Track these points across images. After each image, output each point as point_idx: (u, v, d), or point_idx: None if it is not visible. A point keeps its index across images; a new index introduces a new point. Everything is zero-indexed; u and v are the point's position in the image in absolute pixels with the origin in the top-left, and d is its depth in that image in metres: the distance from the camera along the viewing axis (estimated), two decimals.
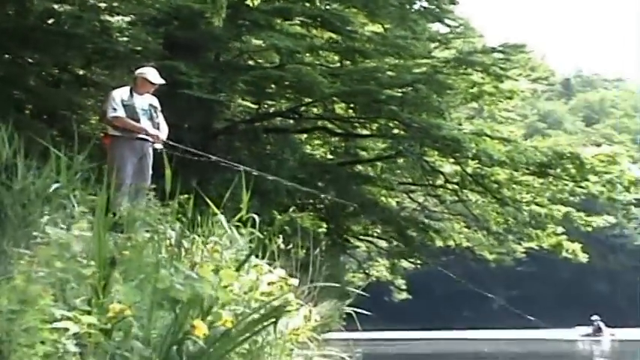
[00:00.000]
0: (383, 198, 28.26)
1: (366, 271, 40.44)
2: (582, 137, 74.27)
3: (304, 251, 10.82)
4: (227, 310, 6.09)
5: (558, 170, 25.46)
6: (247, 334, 5.89)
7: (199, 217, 8.15)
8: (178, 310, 5.50)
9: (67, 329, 4.99)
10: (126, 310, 5.22)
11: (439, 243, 30.28)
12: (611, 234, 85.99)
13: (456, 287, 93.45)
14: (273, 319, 6.09)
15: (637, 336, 37.23)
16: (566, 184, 25.94)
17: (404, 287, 50.76)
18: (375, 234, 30.45)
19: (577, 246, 28.57)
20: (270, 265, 8.10)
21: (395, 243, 30.66)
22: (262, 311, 6.02)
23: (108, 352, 5.16)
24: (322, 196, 22.94)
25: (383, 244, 32.32)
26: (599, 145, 28.77)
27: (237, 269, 6.60)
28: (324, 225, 28.11)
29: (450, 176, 26.85)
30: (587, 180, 25.56)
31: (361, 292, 10.55)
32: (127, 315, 5.23)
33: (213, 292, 5.80)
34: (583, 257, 29.14)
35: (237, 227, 8.32)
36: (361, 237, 31.24)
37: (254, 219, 8.52)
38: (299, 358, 7.96)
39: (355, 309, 11.39)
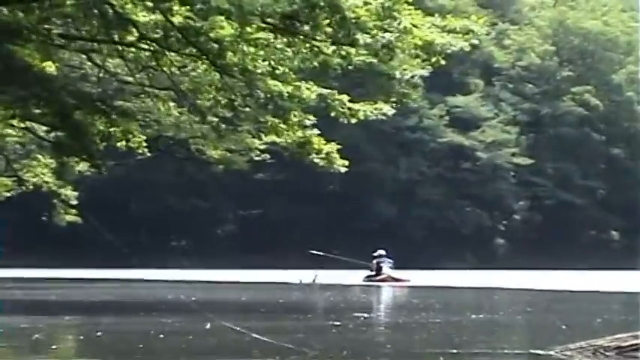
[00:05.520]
0: (39, 61, 14.90)
1: (19, 175, 23.97)
2: None
3: None
4: None
5: (308, 26, 13.60)
6: None
7: None
8: None
9: None
10: None
11: (135, 136, 17.20)
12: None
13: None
14: None
15: None
16: (322, 48, 13.88)
17: (74, 202, 28.05)
18: (32, 117, 16.72)
19: (333, 147, 16.23)
20: None
21: (61, 132, 17.00)
22: None
23: None
24: None
25: (45, 133, 18.59)
26: None
27: None
28: None
29: (148, 29, 14.05)
30: (353, 42, 13.70)
31: None
32: None
33: None
34: (341, 165, 16.60)
35: None
36: (9, 121, 17.38)
37: None
38: None
39: None
